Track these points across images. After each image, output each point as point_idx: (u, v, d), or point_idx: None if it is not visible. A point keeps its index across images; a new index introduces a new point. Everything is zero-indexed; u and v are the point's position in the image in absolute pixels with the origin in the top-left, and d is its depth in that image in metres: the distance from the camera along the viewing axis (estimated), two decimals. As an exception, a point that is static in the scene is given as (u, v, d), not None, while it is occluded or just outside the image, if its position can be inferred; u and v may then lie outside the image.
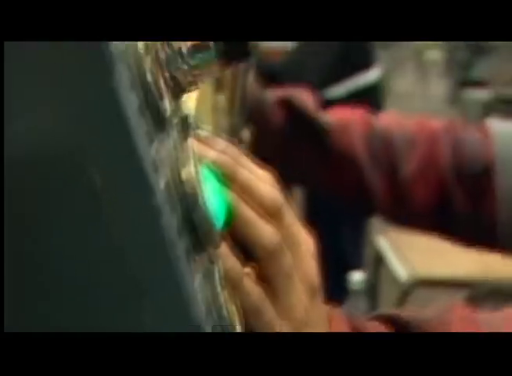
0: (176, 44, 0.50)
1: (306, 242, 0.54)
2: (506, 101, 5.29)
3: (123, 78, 0.36)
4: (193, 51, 0.52)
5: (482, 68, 5.80)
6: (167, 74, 0.48)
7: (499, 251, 0.96)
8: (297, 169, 1.02)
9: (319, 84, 2.13)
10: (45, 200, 0.37)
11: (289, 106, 0.97)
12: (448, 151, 0.93)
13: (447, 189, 0.93)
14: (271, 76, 2.01)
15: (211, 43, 0.52)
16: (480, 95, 5.71)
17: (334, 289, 0.89)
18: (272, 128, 0.97)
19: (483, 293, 2.31)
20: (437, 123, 0.97)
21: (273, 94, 0.99)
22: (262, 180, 0.52)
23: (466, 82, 6.08)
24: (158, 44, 0.46)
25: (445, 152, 0.93)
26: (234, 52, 0.56)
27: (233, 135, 0.87)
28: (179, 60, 0.50)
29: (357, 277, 1.86)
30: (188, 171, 0.43)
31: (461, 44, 6.35)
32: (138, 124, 0.37)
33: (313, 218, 2.22)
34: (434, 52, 7.38)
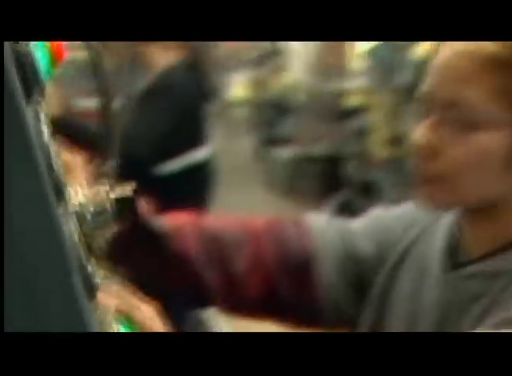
0: (82, 215, 0.65)
1: None
2: (310, 159, 5.54)
3: (75, 274, 0.50)
4: (95, 215, 0.67)
5: (287, 126, 6.00)
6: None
7: (325, 330, 1.11)
8: (139, 270, 1.12)
9: (152, 157, 2.13)
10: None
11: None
12: (272, 248, 1.06)
13: (275, 282, 1.06)
14: (87, 137, 2.00)
15: (109, 208, 0.68)
16: (285, 153, 5.95)
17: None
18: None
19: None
20: (260, 221, 1.11)
21: None
22: (148, 316, 0.68)
23: (272, 140, 6.27)
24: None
25: (269, 249, 1.06)
26: (125, 213, 0.72)
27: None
28: (87, 223, 0.66)
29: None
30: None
31: (266, 102, 6.58)
32: (86, 304, 0.50)
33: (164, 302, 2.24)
34: (241, 109, 7.55)
